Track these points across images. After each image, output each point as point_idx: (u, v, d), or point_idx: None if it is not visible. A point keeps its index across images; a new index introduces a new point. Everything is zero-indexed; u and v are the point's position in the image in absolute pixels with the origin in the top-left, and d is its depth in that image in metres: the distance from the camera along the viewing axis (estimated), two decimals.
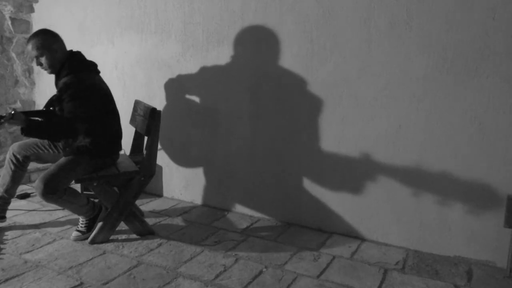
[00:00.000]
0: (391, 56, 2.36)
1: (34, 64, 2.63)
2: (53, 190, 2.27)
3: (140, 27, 3.21)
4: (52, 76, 2.55)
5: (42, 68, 2.47)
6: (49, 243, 2.48)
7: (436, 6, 2.22)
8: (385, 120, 2.43)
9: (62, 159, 2.42)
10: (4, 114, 2.27)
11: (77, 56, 2.52)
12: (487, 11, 2.11)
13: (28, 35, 3.81)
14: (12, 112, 2.26)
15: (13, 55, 3.74)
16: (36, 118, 2.48)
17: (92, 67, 2.56)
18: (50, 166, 2.39)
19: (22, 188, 3.29)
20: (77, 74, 2.41)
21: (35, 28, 3.81)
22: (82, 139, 2.44)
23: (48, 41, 2.41)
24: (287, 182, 2.81)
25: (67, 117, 2.35)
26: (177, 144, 3.24)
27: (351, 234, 2.63)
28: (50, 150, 2.67)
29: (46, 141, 2.67)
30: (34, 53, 2.40)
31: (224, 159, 3.04)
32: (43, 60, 2.42)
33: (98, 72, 2.61)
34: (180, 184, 3.27)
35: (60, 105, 2.41)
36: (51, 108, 2.67)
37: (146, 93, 3.25)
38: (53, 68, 2.46)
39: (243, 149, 2.94)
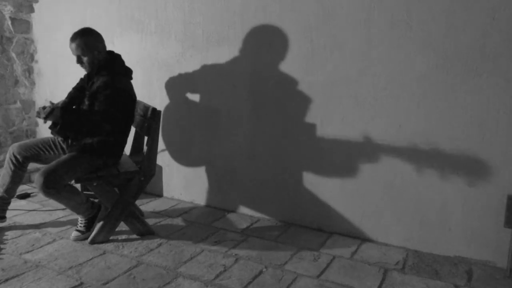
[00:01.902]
0: (391, 56, 2.36)
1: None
2: (53, 185, 2.26)
3: (140, 27, 3.21)
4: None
5: (82, 66, 2.53)
6: (49, 243, 2.48)
7: (436, 6, 2.22)
8: (385, 120, 2.43)
9: (65, 156, 2.43)
10: (48, 105, 2.26)
11: (118, 59, 2.61)
12: (487, 11, 2.11)
13: (28, 35, 3.81)
14: (52, 107, 2.25)
15: (13, 55, 3.74)
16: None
17: (129, 72, 2.63)
18: (52, 162, 2.39)
19: (22, 188, 3.29)
20: (116, 77, 2.49)
21: (35, 28, 3.81)
22: (91, 137, 2.46)
23: (93, 43, 2.48)
24: (287, 182, 2.81)
25: (99, 115, 2.39)
26: (177, 144, 3.24)
27: (351, 234, 2.63)
28: (50, 151, 2.67)
29: (46, 142, 2.68)
30: (78, 52, 2.46)
31: (224, 159, 3.04)
32: (85, 59, 2.48)
33: (131, 78, 2.66)
34: (180, 184, 3.27)
35: (91, 100, 2.46)
36: (73, 107, 2.69)
37: (146, 93, 3.25)
38: (92, 67, 2.52)
39: (243, 149, 2.94)
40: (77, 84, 2.79)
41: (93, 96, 2.46)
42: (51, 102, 2.31)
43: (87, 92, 2.56)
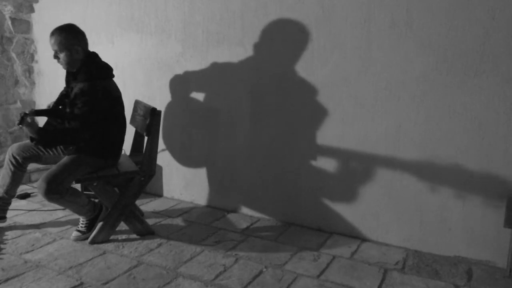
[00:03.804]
0: (391, 56, 2.36)
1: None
2: (56, 190, 2.27)
3: (140, 27, 3.21)
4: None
5: (58, 62, 2.48)
6: (49, 243, 2.48)
7: (436, 6, 2.22)
8: (385, 120, 2.43)
9: (65, 159, 2.42)
10: (27, 112, 2.25)
11: (95, 60, 2.52)
12: (487, 11, 2.11)
13: (28, 35, 3.81)
14: (28, 120, 2.23)
15: (13, 55, 3.74)
16: (38, 123, 2.47)
17: (107, 72, 2.56)
18: (52, 166, 2.39)
19: (22, 188, 3.29)
20: (93, 81, 2.42)
21: (35, 28, 3.81)
22: (87, 140, 2.45)
23: (70, 41, 2.41)
24: (287, 182, 2.81)
25: (77, 124, 2.36)
26: (177, 144, 3.24)
27: (351, 234, 2.63)
28: (49, 151, 2.67)
29: None
30: (55, 47, 2.42)
31: (224, 159, 3.04)
32: (61, 56, 2.44)
33: (113, 76, 2.60)
34: (180, 184, 3.27)
35: (71, 108, 2.42)
36: (60, 107, 2.67)
37: (146, 93, 3.25)
38: (70, 66, 2.47)
39: (243, 149, 2.94)
40: (64, 89, 2.74)
41: (72, 104, 2.41)
42: (26, 114, 2.29)
43: (66, 100, 2.52)
